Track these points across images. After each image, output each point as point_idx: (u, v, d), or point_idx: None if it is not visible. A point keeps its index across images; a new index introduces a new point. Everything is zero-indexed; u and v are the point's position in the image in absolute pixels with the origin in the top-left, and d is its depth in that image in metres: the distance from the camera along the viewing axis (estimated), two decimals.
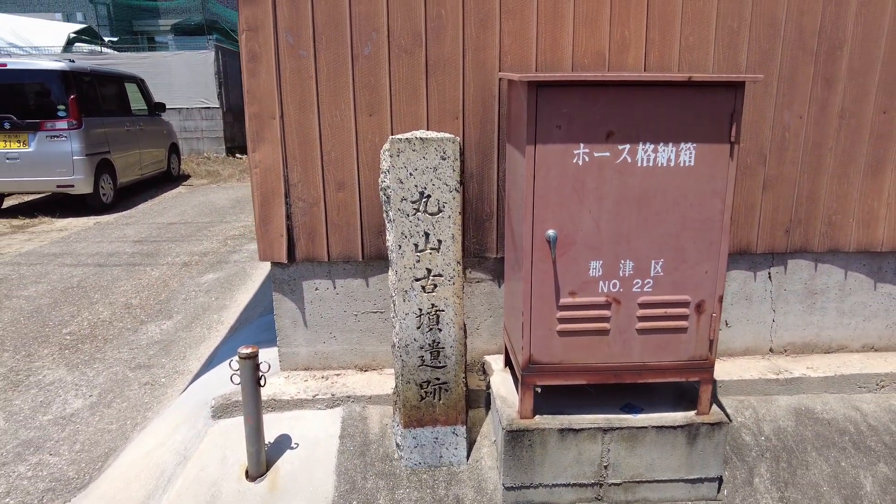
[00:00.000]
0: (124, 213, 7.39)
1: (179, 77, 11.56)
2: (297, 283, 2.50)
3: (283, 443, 2.27)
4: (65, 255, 5.39)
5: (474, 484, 2.14)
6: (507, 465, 2.03)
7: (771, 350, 2.70)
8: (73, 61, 7.47)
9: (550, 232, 1.86)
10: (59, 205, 7.59)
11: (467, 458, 2.22)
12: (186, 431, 2.39)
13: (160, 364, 3.39)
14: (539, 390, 2.05)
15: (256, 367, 2.09)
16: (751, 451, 2.26)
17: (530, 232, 1.87)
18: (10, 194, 7.66)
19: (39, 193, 7.78)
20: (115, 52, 12.39)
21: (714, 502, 2.12)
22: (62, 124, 6.90)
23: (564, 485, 2.07)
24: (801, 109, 2.43)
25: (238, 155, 12.28)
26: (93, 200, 7.29)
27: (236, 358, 2.09)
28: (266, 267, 4.93)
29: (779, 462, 2.23)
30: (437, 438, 2.18)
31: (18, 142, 6.88)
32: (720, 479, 2.13)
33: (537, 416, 2.04)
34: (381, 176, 2.05)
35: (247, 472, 2.18)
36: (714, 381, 2.11)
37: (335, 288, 2.51)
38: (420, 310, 2.07)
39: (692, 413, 2.09)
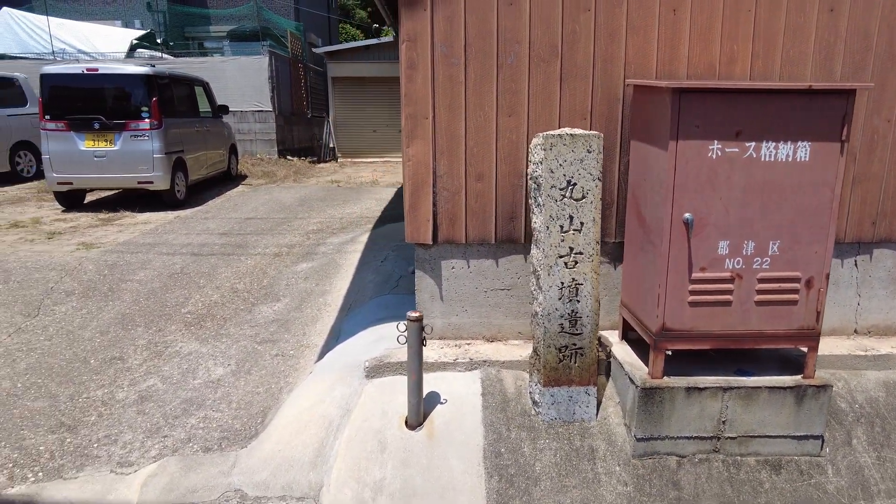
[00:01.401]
0: (198, 208, 7.85)
1: (234, 81, 12.08)
2: (437, 262, 2.85)
3: (433, 398, 2.61)
4: (160, 245, 5.83)
5: (605, 437, 2.46)
6: (639, 419, 2.34)
7: (855, 331, 2.98)
8: (154, 66, 7.96)
9: (687, 215, 2.18)
10: (136, 201, 8.07)
11: (596, 416, 2.54)
12: (343, 389, 2.74)
13: (283, 339, 3.76)
14: (670, 353, 2.36)
15: (422, 329, 2.43)
16: (847, 417, 2.55)
17: (669, 215, 2.19)
18: (91, 190, 8.17)
19: (119, 189, 8.25)
20: (172, 58, 12.97)
21: (817, 458, 2.41)
22: (145, 125, 7.39)
23: (687, 437, 2.37)
24: (889, 114, 2.72)
25: (289, 157, 12.76)
26: (169, 197, 7.76)
27: (403, 322, 2.43)
28: (354, 259, 5.31)
29: (873, 426, 2.51)
30: (571, 397, 2.50)
31: (106, 141, 7.38)
32: (822, 438, 2.42)
33: (665, 377, 2.36)
34: (532, 167, 2.39)
35: (406, 422, 2.52)
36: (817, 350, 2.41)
37: (469, 267, 2.85)
38: (562, 283, 2.40)
39: (798, 377, 2.38)
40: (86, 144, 7.38)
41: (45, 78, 7.40)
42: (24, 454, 2.67)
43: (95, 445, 2.72)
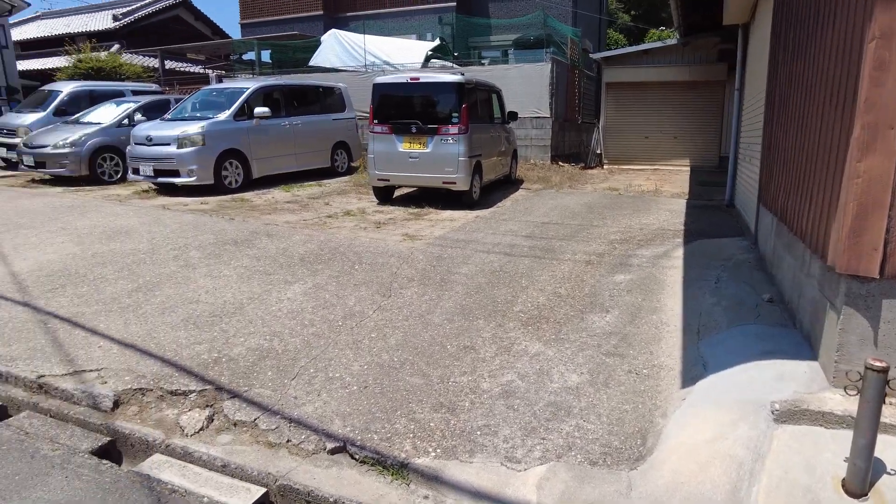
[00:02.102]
0: (492, 209, 8.25)
1: (515, 87, 12.52)
2: (876, 301, 2.38)
3: (878, 466, 2.17)
4: (472, 243, 6.19)
5: None
6: None
7: None
8: (464, 74, 8.57)
9: None
10: (436, 198, 8.79)
11: None
12: (747, 430, 2.45)
13: (629, 355, 3.60)
14: None
15: (885, 382, 2.02)
16: None
17: None
18: (399, 187, 9.14)
19: (420, 188, 9.08)
20: (458, 66, 14.00)
21: None
22: (454, 129, 7.98)
23: None
24: None
25: (560, 163, 12.85)
26: (467, 197, 8.29)
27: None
28: (675, 276, 4.97)
29: None
30: None
31: (420, 143, 8.15)
32: None
33: None
34: None
35: (843, 485, 2.13)
36: None
37: None
38: None
39: None
40: (403, 146, 8.25)
41: (376, 87, 8.47)
42: (419, 427, 2.91)
43: (478, 433, 2.85)
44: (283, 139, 10.72)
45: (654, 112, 14.50)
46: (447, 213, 7.94)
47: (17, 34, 24.05)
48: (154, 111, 11.82)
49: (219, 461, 2.75)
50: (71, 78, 17.33)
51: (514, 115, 10.13)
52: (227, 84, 12.23)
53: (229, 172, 9.72)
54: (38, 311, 4.41)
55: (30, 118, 12.88)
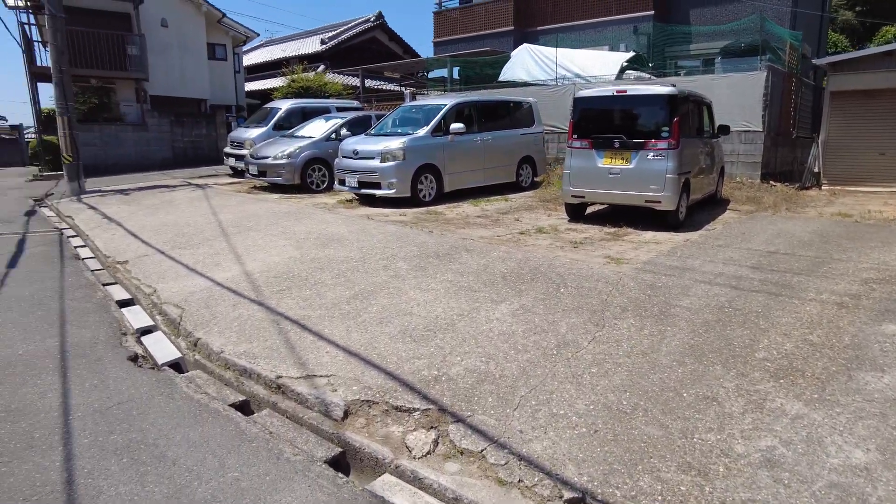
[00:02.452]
0: (701, 232, 7.49)
1: (723, 99, 11.38)
2: None
3: None
4: (689, 271, 5.59)
5: None
6: None
7: None
8: (675, 85, 7.93)
9: None
10: (633, 217, 8.22)
11: None
12: None
13: None
14: None
15: None
16: None
17: None
18: (592, 204, 8.73)
19: (616, 205, 8.58)
20: (655, 77, 13.15)
21: None
22: (662, 144, 7.38)
23: None
24: None
25: (771, 182, 11.43)
26: (672, 218, 7.62)
27: None
28: None
29: None
30: None
31: (622, 159, 7.68)
32: None
33: None
34: None
35: None
36: None
37: None
38: None
39: None
40: (603, 162, 7.83)
41: (578, 101, 8.17)
42: (667, 489, 2.54)
43: None
44: (473, 154, 10.88)
45: (892, 125, 12.32)
46: (649, 235, 7.36)
47: (246, 60, 27.79)
48: (357, 126, 12.74)
49: (450, 493, 2.63)
50: (285, 96, 19.50)
51: (725, 129, 9.18)
52: (425, 101, 12.77)
53: (424, 186, 10.07)
54: (270, 311, 4.78)
55: (254, 132, 14.67)
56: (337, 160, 10.64)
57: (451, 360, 3.75)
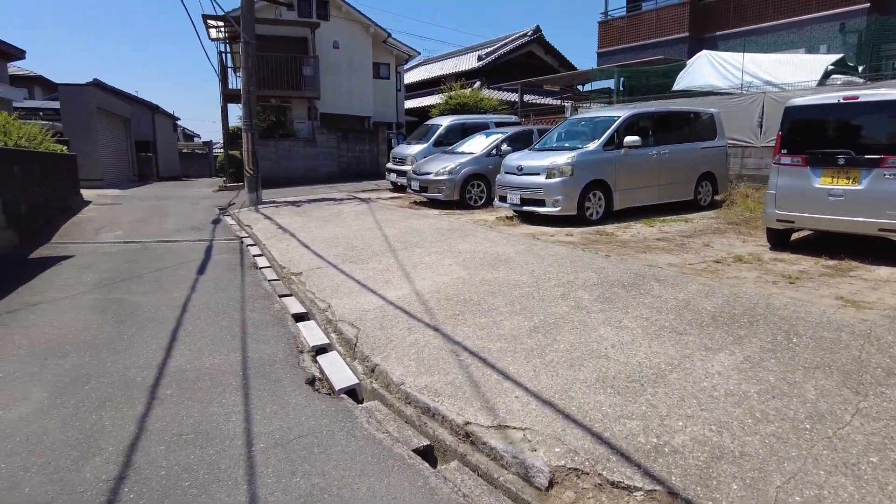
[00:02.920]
0: None
1: None
2: None
3: None
4: None
5: None
6: None
7: None
8: None
9: None
10: (856, 248, 6.82)
11: None
12: None
13: None
14: None
15: None
16: None
17: None
18: (800, 229, 7.42)
19: (833, 232, 7.21)
20: (871, 82, 11.18)
21: None
22: None
23: None
24: None
25: None
26: None
27: None
28: None
29: None
30: None
31: (848, 178, 6.38)
32: None
33: None
34: None
35: None
36: None
37: None
38: None
39: None
40: (821, 181, 6.58)
41: (791, 110, 6.99)
42: None
43: None
44: (647, 170, 9.95)
45: None
46: (885, 271, 5.98)
47: (406, 79, 28.89)
48: (517, 141, 12.36)
49: None
50: (442, 113, 19.76)
51: None
52: (594, 113, 12.04)
53: (591, 204, 9.36)
54: (447, 338, 4.41)
55: (415, 149, 14.90)
56: (499, 176, 10.28)
57: (672, 425, 3.06)
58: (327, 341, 4.87)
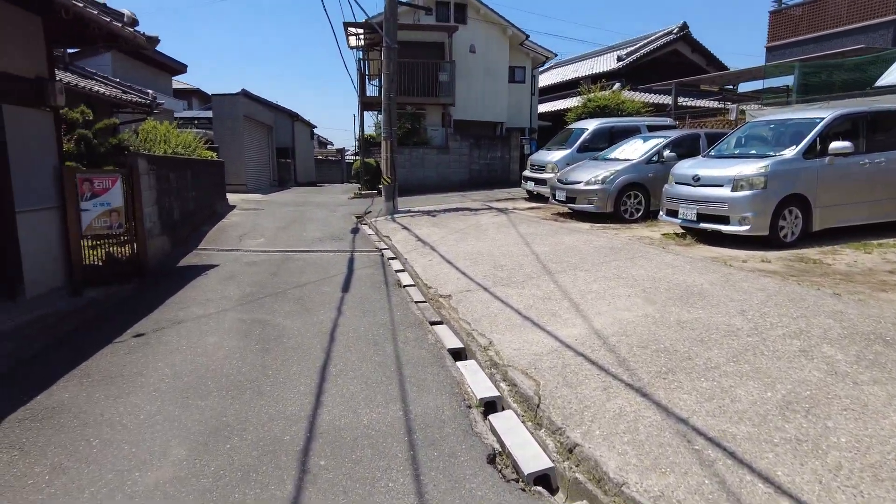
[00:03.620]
0: None
1: None
2: None
3: None
4: None
5: None
6: None
7: None
8: None
9: None
10: None
11: None
12: None
13: None
14: None
15: None
16: None
17: None
18: None
19: None
20: None
21: None
22: None
23: None
24: None
25: None
26: None
27: None
28: None
29: None
30: None
31: None
32: None
33: None
34: None
35: None
36: None
37: None
38: None
39: None
40: None
41: None
42: None
43: None
44: (856, 182, 8.12)
45: None
46: None
47: (540, 82, 27.80)
48: (680, 147, 10.88)
49: None
50: (579, 117, 18.43)
51: None
52: (785, 114, 10.26)
53: (786, 223, 7.76)
54: (663, 410, 3.35)
55: (557, 155, 13.79)
56: (667, 186, 8.93)
57: None
58: (497, 394, 4.00)
